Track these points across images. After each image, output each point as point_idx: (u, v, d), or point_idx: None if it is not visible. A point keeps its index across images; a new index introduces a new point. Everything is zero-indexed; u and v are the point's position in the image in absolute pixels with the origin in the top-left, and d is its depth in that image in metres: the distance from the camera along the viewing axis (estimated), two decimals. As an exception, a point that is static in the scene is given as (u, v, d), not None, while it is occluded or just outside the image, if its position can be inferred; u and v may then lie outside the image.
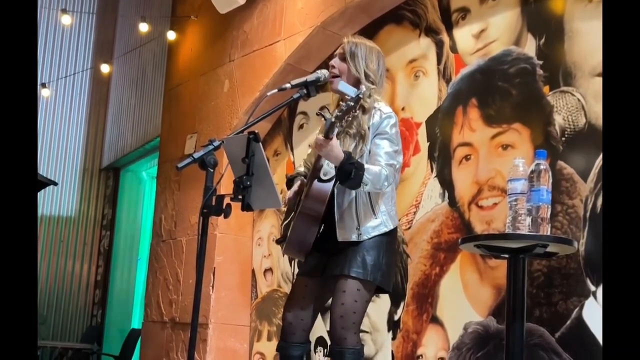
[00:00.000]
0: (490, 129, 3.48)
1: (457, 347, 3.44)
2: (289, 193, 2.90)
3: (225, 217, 2.42)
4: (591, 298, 2.95)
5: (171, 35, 5.90)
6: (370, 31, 4.21)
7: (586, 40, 3.16)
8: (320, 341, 4.19)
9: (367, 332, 3.87)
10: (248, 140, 2.48)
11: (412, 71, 4.00)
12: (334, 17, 4.29)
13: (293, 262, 4.55)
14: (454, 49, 3.78)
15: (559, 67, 3.25)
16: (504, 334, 2.56)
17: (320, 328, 4.07)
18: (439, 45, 3.86)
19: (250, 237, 5.02)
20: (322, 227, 2.80)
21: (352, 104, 2.51)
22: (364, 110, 2.74)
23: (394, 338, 3.79)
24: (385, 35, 4.20)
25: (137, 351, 6.27)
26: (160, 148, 5.97)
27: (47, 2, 7.95)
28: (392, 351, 3.79)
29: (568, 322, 3.00)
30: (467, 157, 3.58)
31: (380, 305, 3.82)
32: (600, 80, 3.05)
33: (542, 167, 2.49)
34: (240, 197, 2.44)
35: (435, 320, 3.60)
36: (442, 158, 3.73)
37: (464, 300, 3.45)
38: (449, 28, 3.82)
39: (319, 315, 3.04)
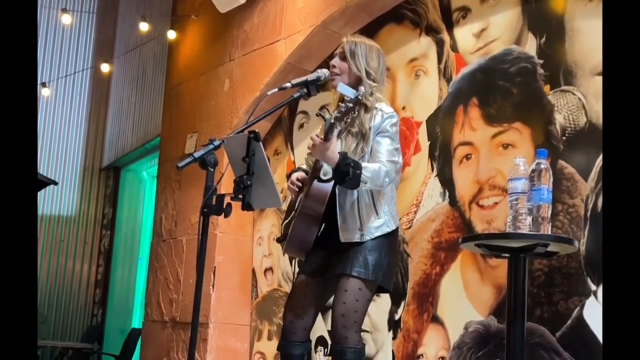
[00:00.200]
0: (491, 128, 3.48)
1: (458, 346, 3.43)
2: (294, 176, 2.89)
3: (226, 216, 2.42)
4: (592, 297, 2.95)
5: (171, 34, 5.90)
6: (370, 30, 4.21)
7: (587, 39, 3.16)
8: (320, 341, 4.19)
9: (367, 331, 3.86)
10: (248, 140, 2.48)
11: (412, 70, 4.00)
12: (334, 16, 4.29)
13: (293, 261, 4.55)
14: (454, 48, 3.78)
15: (560, 66, 3.25)
16: (504, 334, 2.56)
17: (321, 328, 4.07)
18: (440, 44, 3.86)
19: (251, 237, 5.02)
20: (323, 227, 2.80)
21: (351, 105, 2.51)
22: (366, 109, 2.74)
23: (394, 337, 3.79)
24: (385, 34, 4.19)
25: (137, 351, 6.27)
26: (160, 147, 5.97)
27: (48, 2, 7.96)
28: (392, 351, 3.79)
29: (569, 321, 3.00)
30: (467, 157, 3.58)
31: (380, 305, 3.82)
32: (601, 79, 3.05)
33: (542, 166, 2.49)
34: (240, 196, 2.44)
35: (435, 319, 3.59)
36: (442, 157, 3.73)
37: (465, 299, 3.45)
38: (450, 27, 3.82)
39: (319, 315, 3.04)
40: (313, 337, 2.89)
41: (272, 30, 4.77)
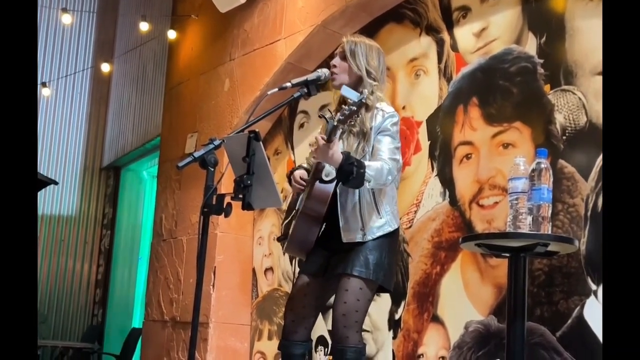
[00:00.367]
0: (491, 128, 3.48)
1: (458, 346, 3.43)
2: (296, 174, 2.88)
3: (226, 216, 2.42)
4: (592, 297, 2.95)
5: (172, 34, 5.90)
6: (370, 30, 4.21)
7: (587, 38, 3.16)
8: (320, 340, 4.19)
9: (368, 331, 3.86)
10: (248, 139, 2.48)
11: (412, 70, 4.00)
12: (334, 15, 4.29)
13: (294, 261, 4.55)
14: (454, 47, 3.78)
15: (560, 66, 3.25)
16: (504, 333, 2.56)
17: (321, 327, 4.07)
18: (440, 44, 3.86)
19: (251, 236, 5.02)
20: (324, 226, 2.80)
21: (355, 108, 2.50)
22: (367, 108, 2.74)
23: (394, 337, 3.79)
24: (385, 34, 4.19)
25: (137, 350, 6.28)
26: (160, 147, 5.97)
27: (48, 1, 7.95)
28: (392, 350, 3.79)
29: (569, 321, 3.00)
30: (468, 156, 3.58)
31: (381, 305, 3.82)
32: (601, 78, 3.05)
33: (543, 165, 2.49)
34: (240, 196, 2.44)
35: (436, 319, 3.59)
36: (442, 157, 3.73)
37: (465, 299, 3.45)
38: (450, 27, 3.82)
39: (320, 314, 3.03)
40: (313, 336, 2.89)
41: (273, 30, 4.77)
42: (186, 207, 5.27)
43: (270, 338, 4.69)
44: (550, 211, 2.48)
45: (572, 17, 3.24)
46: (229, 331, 4.82)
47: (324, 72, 2.81)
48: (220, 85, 5.20)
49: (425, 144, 3.84)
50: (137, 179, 8.17)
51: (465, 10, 3.75)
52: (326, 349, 4.17)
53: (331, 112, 2.72)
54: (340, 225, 2.73)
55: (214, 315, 4.77)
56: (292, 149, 4.81)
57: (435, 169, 3.76)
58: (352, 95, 2.52)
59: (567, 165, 3.14)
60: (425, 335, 3.63)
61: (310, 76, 2.79)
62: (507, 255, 2.56)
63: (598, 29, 3.03)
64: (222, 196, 2.41)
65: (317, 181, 2.72)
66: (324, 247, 2.80)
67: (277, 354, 4.47)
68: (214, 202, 2.40)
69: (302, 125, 4.78)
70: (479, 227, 3.45)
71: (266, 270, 4.83)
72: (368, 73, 2.80)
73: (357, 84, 2.80)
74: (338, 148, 2.61)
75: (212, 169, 2.43)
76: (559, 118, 3.20)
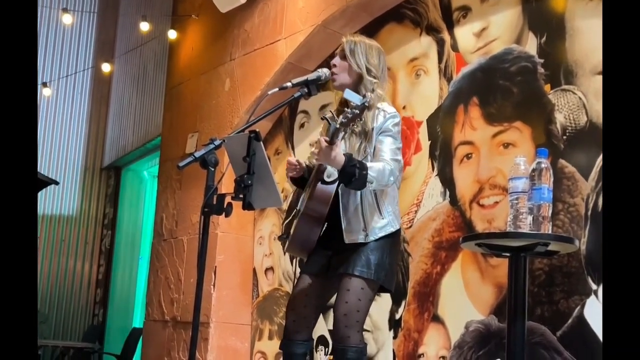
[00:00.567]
0: (492, 128, 3.48)
1: (459, 345, 3.44)
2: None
3: (227, 216, 2.42)
4: (592, 297, 2.95)
5: (172, 34, 5.90)
6: (371, 30, 4.21)
7: (587, 38, 3.16)
8: (321, 340, 4.19)
9: (368, 330, 3.87)
10: (249, 139, 2.48)
11: (413, 70, 4.00)
12: (335, 15, 4.29)
13: (294, 260, 4.55)
14: (455, 47, 3.78)
15: (560, 66, 3.25)
16: (505, 333, 2.56)
17: (321, 327, 4.08)
18: (440, 43, 3.86)
19: (252, 236, 5.02)
20: (326, 226, 2.80)
21: (357, 112, 2.50)
22: (369, 107, 2.74)
23: (395, 337, 3.79)
24: (386, 33, 4.20)
25: (138, 350, 6.28)
26: (161, 147, 5.98)
27: (48, 1, 7.95)
28: (393, 350, 3.79)
29: (569, 320, 3.00)
30: (468, 156, 3.58)
31: (381, 304, 3.82)
32: (601, 78, 3.05)
33: (543, 165, 2.49)
34: (241, 196, 2.44)
35: (436, 319, 3.60)
36: (443, 157, 3.73)
37: (465, 298, 3.45)
38: (450, 27, 3.82)
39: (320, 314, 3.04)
40: (314, 336, 2.89)
41: (273, 29, 4.77)
42: (187, 207, 5.27)
43: (270, 338, 4.69)
44: (550, 211, 2.49)
45: (572, 16, 3.24)
46: (229, 331, 4.82)
47: (324, 72, 2.81)
48: (220, 85, 5.20)
49: (425, 143, 3.84)
50: (137, 179, 8.17)
51: (465, 10, 3.75)
52: (326, 349, 4.17)
53: (332, 113, 2.71)
54: (343, 226, 2.73)
55: (214, 315, 4.77)
56: (293, 148, 4.81)
57: (435, 168, 3.76)
58: (354, 98, 2.52)
59: (568, 165, 3.14)
60: (426, 335, 3.63)
61: (311, 76, 2.79)
62: (508, 254, 2.56)
63: (598, 29, 3.03)
64: (223, 196, 2.41)
65: (319, 182, 2.72)
66: (325, 247, 2.80)
67: (278, 354, 4.47)
68: (214, 202, 2.40)
69: (302, 125, 4.78)
70: (480, 226, 3.45)
71: (267, 270, 4.83)
72: (368, 71, 2.80)
73: (357, 82, 2.80)
74: (340, 150, 2.60)
75: (213, 169, 2.43)
76: (560, 118, 3.20)
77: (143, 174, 8.12)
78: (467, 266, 3.48)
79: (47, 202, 8.09)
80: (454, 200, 3.62)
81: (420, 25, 4.00)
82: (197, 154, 2.43)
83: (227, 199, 2.42)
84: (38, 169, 6.56)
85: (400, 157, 2.75)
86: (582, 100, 3.14)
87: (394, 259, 2.81)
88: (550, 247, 2.49)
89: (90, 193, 8.38)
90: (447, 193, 3.66)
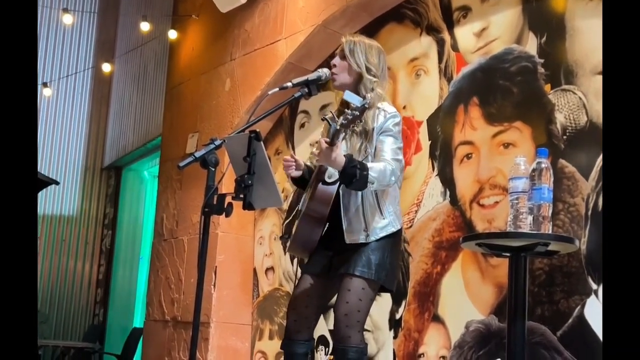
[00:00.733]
0: (492, 128, 3.48)
1: (459, 345, 3.44)
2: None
3: (227, 216, 2.42)
4: (593, 296, 2.95)
5: (172, 34, 5.91)
6: (371, 30, 4.21)
7: (587, 38, 3.16)
8: (321, 340, 4.19)
9: (368, 330, 3.87)
10: (249, 139, 2.48)
11: (413, 70, 4.00)
12: (335, 15, 4.29)
13: (294, 260, 4.55)
14: (455, 47, 3.78)
15: (560, 66, 3.25)
16: (505, 333, 2.56)
17: (322, 327, 4.08)
18: (440, 43, 3.86)
19: (252, 236, 5.02)
20: (327, 227, 2.80)
21: (358, 113, 2.50)
22: (369, 107, 2.74)
23: (395, 337, 3.80)
24: (386, 33, 4.20)
25: (138, 350, 6.28)
26: (161, 147, 5.98)
27: (49, 1, 7.95)
28: (393, 350, 3.79)
29: (570, 320, 3.00)
30: (468, 156, 3.58)
31: (382, 304, 3.82)
32: (601, 78, 3.05)
33: (543, 165, 2.49)
34: (241, 196, 2.44)
35: (436, 318, 3.60)
36: (443, 156, 3.73)
37: (466, 298, 3.45)
38: (450, 26, 3.82)
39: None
40: (314, 336, 2.89)
41: (273, 29, 4.77)
42: (187, 207, 5.27)
43: (271, 338, 4.69)
44: (550, 211, 2.49)
45: (573, 16, 3.24)
46: (230, 331, 4.82)
47: (324, 71, 2.82)
48: (221, 85, 5.20)
49: (425, 143, 3.85)
50: (138, 179, 8.17)
51: (465, 10, 3.75)
52: (327, 349, 4.17)
53: (333, 113, 2.71)
54: (344, 226, 2.73)
55: (215, 315, 4.77)
56: (293, 148, 4.81)
57: (435, 168, 3.76)
58: (355, 100, 2.52)
59: (568, 165, 3.14)
60: (426, 335, 3.63)
61: (311, 76, 2.80)
62: (508, 254, 2.56)
63: (598, 29, 3.03)
64: (223, 196, 2.41)
65: (320, 183, 2.72)
66: (326, 247, 2.79)
67: (278, 354, 4.48)
68: (215, 202, 2.40)
69: (302, 125, 4.79)
70: (480, 226, 3.45)
71: (267, 269, 4.83)
72: (368, 70, 2.80)
73: (357, 82, 2.80)
74: (341, 151, 2.60)
75: (213, 169, 2.43)
76: (560, 118, 3.20)
77: (143, 174, 8.12)
78: (468, 266, 3.48)
79: (48, 202, 8.09)
80: (454, 200, 3.62)
81: (420, 25, 4.00)
82: (198, 154, 2.43)
83: (228, 199, 2.42)
84: (38, 169, 6.56)
85: (401, 157, 2.75)
86: (582, 100, 3.14)
87: (395, 258, 2.81)
88: (551, 247, 2.49)
89: (91, 193, 8.38)
90: (448, 193, 3.66)
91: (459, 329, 3.45)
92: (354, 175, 2.57)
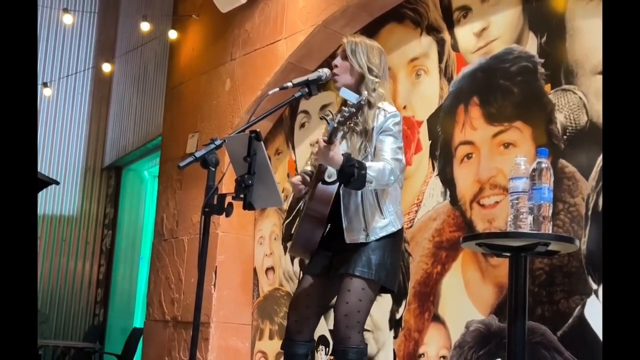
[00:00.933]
0: (492, 127, 3.48)
1: (459, 345, 3.44)
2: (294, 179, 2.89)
3: (227, 216, 2.42)
4: (593, 296, 2.95)
5: (172, 34, 5.91)
6: (371, 30, 4.21)
7: (587, 38, 3.16)
8: (321, 340, 4.19)
9: (369, 330, 3.87)
10: (249, 139, 2.48)
11: (413, 70, 4.00)
12: (335, 15, 4.29)
13: (295, 260, 4.55)
14: (455, 47, 3.78)
15: (561, 65, 3.25)
16: (505, 333, 2.57)
17: (322, 327, 4.08)
18: (441, 43, 3.86)
19: (252, 236, 5.02)
20: (328, 227, 2.80)
21: (354, 110, 2.51)
22: (370, 106, 2.74)
23: (395, 337, 3.80)
24: (386, 33, 4.20)
25: (139, 350, 6.28)
26: (161, 147, 5.98)
27: (49, 2, 7.95)
28: (394, 350, 3.79)
29: (570, 320, 3.00)
30: (468, 156, 3.58)
31: (382, 304, 3.82)
32: (601, 78, 3.05)
33: (543, 165, 2.49)
34: (241, 195, 2.44)
35: (437, 318, 3.60)
36: (443, 156, 3.73)
37: (466, 298, 3.45)
38: (451, 26, 3.82)
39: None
40: (315, 336, 2.89)
41: (273, 29, 4.77)
42: (187, 207, 5.28)
43: (271, 337, 4.69)
44: (550, 211, 2.49)
45: (573, 16, 3.24)
46: (230, 331, 4.82)
47: (324, 72, 2.82)
48: (221, 85, 5.20)
49: (426, 143, 3.85)
50: (138, 179, 8.18)
51: (465, 10, 3.75)
52: (327, 349, 4.17)
53: (332, 113, 2.72)
54: (344, 226, 2.73)
55: (215, 315, 4.77)
56: (293, 148, 4.81)
57: (436, 168, 3.76)
58: (351, 97, 2.53)
59: (568, 165, 3.14)
60: (426, 335, 3.63)
61: (311, 76, 2.80)
62: (508, 254, 2.56)
63: (598, 29, 3.03)
64: (223, 196, 2.41)
65: (320, 182, 2.72)
66: (327, 247, 2.79)
67: (278, 354, 4.48)
68: (215, 202, 2.40)
69: (303, 125, 4.79)
70: (480, 226, 3.45)
71: (267, 269, 4.83)
72: (370, 70, 2.81)
73: (359, 82, 2.80)
74: (339, 150, 2.60)
75: (213, 169, 2.43)
76: (560, 117, 3.20)
77: (143, 174, 8.12)
78: (468, 266, 3.48)
79: (48, 202, 8.10)
80: (454, 200, 3.62)
81: (420, 25, 4.00)
82: (198, 154, 2.43)
83: (228, 199, 2.42)
84: (38, 169, 6.56)
85: (401, 157, 2.74)
86: (582, 100, 3.14)
87: (396, 258, 2.80)
88: (551, 247, 2.49)
89: (91, 193, 8.38)
90: (448, 193, 3.66)
91: (459, 329, 3.45)
92: (352, 174, 2.57)
